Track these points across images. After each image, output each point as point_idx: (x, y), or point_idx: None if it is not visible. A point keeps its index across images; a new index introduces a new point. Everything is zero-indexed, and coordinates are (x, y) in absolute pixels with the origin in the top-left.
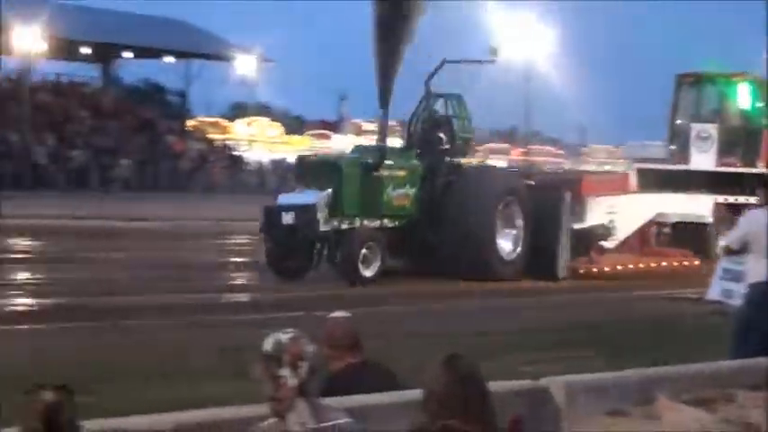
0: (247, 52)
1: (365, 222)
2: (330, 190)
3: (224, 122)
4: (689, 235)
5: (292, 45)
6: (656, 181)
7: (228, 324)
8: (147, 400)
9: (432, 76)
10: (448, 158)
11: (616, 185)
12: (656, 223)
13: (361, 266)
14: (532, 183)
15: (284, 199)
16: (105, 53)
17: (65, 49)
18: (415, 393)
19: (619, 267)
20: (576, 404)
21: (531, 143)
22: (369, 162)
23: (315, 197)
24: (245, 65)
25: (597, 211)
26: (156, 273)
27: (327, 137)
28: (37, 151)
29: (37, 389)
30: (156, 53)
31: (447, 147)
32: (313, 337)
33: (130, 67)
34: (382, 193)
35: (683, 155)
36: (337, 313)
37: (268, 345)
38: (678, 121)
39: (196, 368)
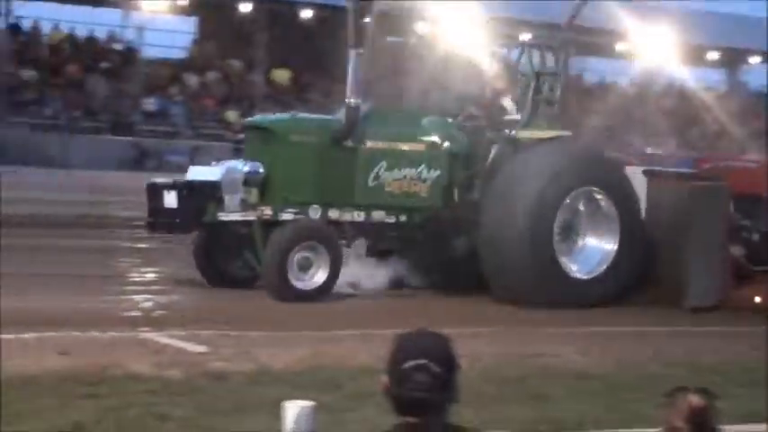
0: None
1: (335, 213)
2: (259, 164)
3: None
4: None
5: None
6: None
7: None
8: None
9: (573, 17)
10: (509, 131)
11: None
12: None
13: (290, 275)
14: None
15: (189, 174)
16: (732, 58)
17: (692, 54)
18: None
19: None
20: None
21: None
22: (331, 129)
23: (222, 173)
24: None
25: None
26: None
27: None
28: None
29: (680, 391)
30: None
31: (514, 116)
32: None
33: (758, 72)
34: (364, 175)
35: None
36: None
37: None
38: None
39: None
